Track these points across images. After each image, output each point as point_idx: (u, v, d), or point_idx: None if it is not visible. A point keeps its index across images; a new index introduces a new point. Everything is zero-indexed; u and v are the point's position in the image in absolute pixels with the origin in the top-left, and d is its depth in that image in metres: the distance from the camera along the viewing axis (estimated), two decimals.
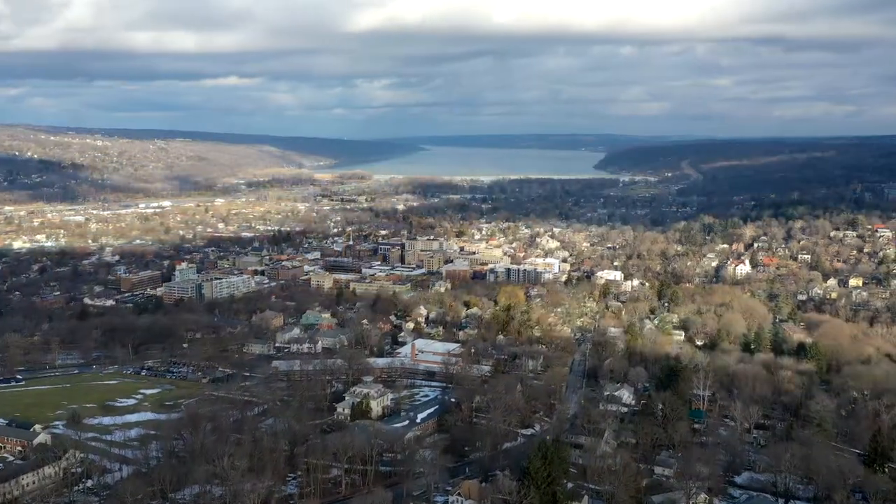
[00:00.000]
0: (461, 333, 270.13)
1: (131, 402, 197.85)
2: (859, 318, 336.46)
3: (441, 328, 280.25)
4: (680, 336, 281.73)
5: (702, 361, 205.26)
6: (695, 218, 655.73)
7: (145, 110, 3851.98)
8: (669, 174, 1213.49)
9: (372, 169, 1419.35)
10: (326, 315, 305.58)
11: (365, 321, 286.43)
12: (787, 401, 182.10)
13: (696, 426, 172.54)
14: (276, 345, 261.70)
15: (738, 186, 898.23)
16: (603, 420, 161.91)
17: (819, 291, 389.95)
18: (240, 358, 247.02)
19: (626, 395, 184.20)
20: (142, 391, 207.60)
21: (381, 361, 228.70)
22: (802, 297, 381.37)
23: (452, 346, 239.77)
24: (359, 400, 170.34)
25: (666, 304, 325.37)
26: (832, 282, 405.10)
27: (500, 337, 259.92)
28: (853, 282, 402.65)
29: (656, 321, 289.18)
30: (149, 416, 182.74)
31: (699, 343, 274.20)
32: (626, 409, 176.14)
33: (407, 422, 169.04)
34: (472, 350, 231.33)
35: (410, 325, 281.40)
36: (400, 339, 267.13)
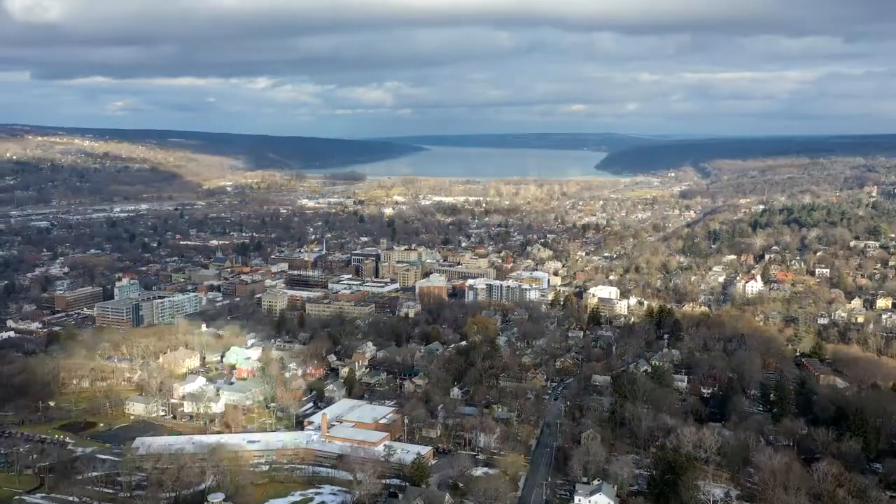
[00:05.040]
0: (407, 383, 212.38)
1: None
2: (893, 350, 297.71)
3: (384, 375, 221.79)
4: (682, 381, 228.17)
5: (711, 446, 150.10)
6: (699, 223, 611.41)
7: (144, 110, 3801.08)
8: (672, 174, 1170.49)
9: (367, 170, 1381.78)
10: (255, 354, 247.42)
11: (293, 365, 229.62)
12: None
13: None
14: (173, 400, 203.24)
15: (743, 187, 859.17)
16: None
17: (843, 314, 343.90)
18: (110, 423, 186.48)
19: (604, 502, 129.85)
20: None
21: (280, 438, 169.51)
22: (823, 321, 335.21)
23: (383, 412, 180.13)
24: None
25: (665, 338, 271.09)
26: (857, 302, 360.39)
27: (455, 391, 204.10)
28: (881, 303, 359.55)
29: (654, 362, 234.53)
30: None
31: (706, 392, 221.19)
32: None
33: None
34: (407, 419, 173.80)
35: (345, 370, 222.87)
36: (328, 394, 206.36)
